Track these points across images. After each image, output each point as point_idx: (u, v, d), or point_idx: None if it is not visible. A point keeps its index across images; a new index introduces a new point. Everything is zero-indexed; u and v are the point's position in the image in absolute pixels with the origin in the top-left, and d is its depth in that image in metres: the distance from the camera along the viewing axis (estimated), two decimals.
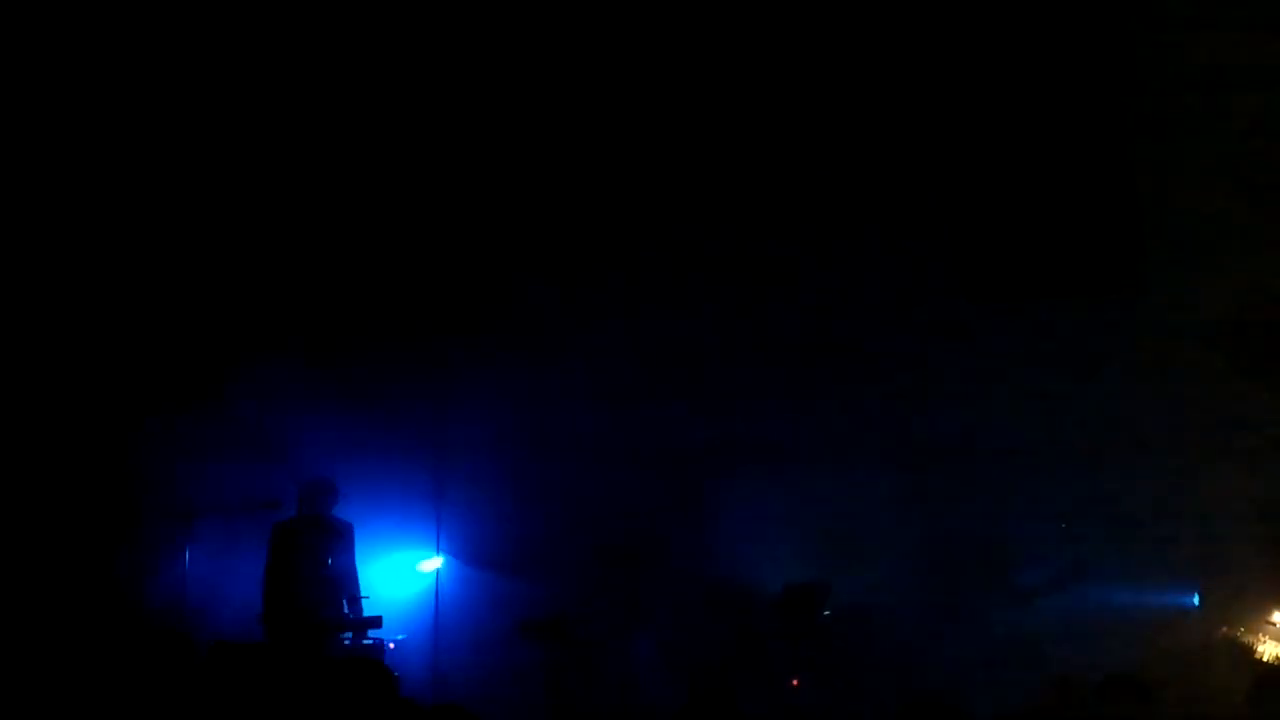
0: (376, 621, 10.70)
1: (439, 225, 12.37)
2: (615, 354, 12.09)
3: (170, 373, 11.75)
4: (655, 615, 11.74)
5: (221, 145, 11.85)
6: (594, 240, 12.26)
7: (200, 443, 11.50)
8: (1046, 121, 11.87)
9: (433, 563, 12.38)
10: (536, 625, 11.29)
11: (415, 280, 12.35)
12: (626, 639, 11.57)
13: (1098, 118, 11.78)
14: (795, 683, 11.34)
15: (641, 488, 12.02)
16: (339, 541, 10.86)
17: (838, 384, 12.04)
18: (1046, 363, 11.72)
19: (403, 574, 12.33)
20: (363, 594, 10.85)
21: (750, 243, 12.11)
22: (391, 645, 10.99)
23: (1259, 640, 10.98)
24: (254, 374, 11.52)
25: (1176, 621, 11.51)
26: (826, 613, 11.56)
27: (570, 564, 11.99)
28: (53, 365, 11.43)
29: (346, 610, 10.73)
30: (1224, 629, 11.20)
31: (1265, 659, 10.82)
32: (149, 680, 6.50)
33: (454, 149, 12.18)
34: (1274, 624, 10.99)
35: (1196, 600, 11.67)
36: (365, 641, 10.67)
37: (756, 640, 11.60)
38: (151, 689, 6.47)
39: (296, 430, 11.37)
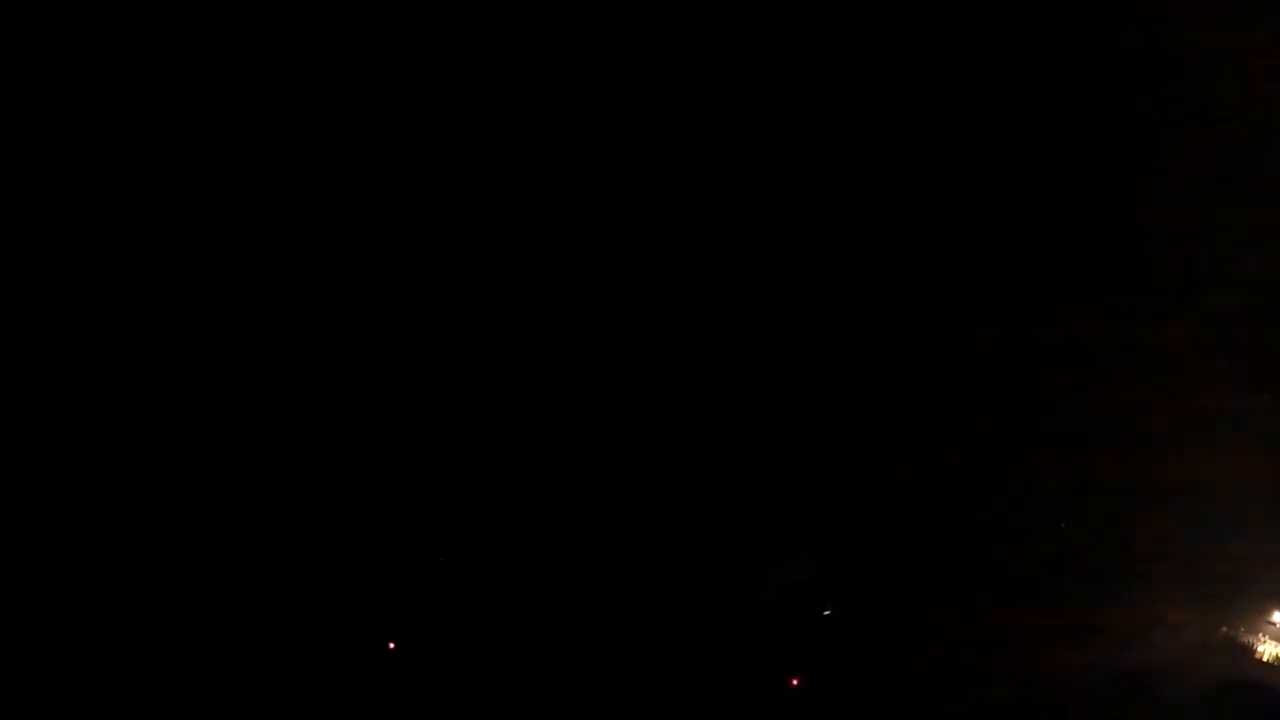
0: None
1: None
2: None
3: None
4: None
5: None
6: None
7: None
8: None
9: None
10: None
11: None
12: None
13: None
14: (795, 682, 11.32)
15: None
16: None
17: None
18: None
19: None
20: None
21: None
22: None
23: (1259, 640, 11.00)
24: None
25: (1176, 621, 11.51)
26: (827, 612, 11.55)
27: None
28: None
29: None
30: (1224, 629, 11.22)
31: (1265, 659, 10.86)
32: None
33: None
34: (1274, 624, 11.02)
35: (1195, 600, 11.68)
36: None
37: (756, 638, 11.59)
38: None
39: None
